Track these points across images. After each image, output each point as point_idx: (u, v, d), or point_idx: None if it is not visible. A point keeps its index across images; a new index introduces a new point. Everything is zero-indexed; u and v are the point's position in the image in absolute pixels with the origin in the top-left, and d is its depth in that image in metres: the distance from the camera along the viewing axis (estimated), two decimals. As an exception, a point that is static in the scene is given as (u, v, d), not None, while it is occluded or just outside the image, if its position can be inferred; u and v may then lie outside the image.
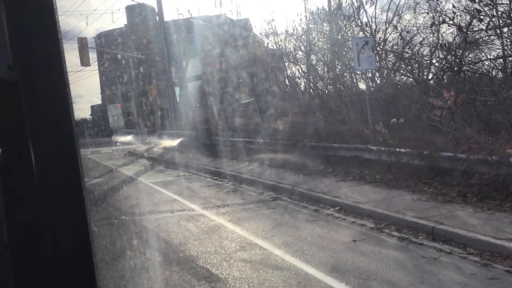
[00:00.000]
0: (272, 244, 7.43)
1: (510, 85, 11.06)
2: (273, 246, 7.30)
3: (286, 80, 21.07)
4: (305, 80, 20.00)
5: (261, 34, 23.54)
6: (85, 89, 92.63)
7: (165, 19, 30.49)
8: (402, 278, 5.71)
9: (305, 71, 19.78)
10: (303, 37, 19.83)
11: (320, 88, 19.04)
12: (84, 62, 27.35)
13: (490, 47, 13.47)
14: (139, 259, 6.89)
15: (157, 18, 30.45)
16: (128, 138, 33.71)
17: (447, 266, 6.06)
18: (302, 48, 20.03)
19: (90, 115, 58.45)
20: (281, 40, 20.67)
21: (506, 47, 11.99)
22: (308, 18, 19.81)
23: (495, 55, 13.06)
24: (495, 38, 12.59)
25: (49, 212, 1.13)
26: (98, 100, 58.52)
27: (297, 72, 20.37)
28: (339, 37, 18.02)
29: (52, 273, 1.14)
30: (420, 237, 7.31)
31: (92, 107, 59.49)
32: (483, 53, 13.82)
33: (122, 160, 22.81)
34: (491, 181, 8.67)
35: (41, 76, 1.14)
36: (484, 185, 8.73)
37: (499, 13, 11.65)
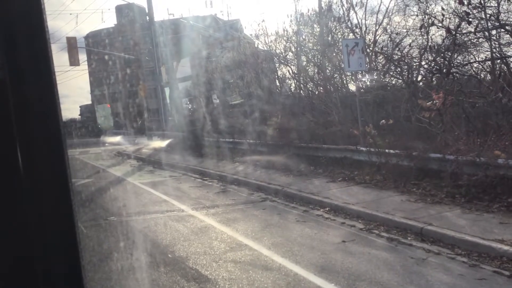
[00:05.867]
0: (261, 244, 7.43)
1: (498, 87, 11.15)
2: (262, 247, 7.30)
3: (277, 81, 21.09)
4: (295, 81, 20.04)
5: (251, 35, 23.55)
6: (71, 89, 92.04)
7: (155, 19, 30.40)
8: (391, 279, 5.74)
9: (296, 72, 19.81)
10: (293, 38, 19.86)
11: (310, 89, 19.08)
12: (73, 62, 27.15)
13: (479, 49, 13.59)
14: (128, 260, 6.85)
15: (147, 18, 30.35)
16: (117, 138, 33.55)
17: (435, 267, 6.10)
18: (293, 49, 20.06)
19: (79, 115, 58.15)
20: (271, 41, 20.70)
21: (494, 50, 12.08)
22: (298, 19, 19.83)
23: (484, 57, 13.18)
24: (484, 40, 12.70)
25: (36, 213, 1.11)
26: (85, 100, 58.33)
27: (287, 73, 20.41)
28: (329, 38, 18.06)
29: (39, 274, 1.13)
30: (408, 238, 7.35)
31: (81, 107, 59.20)
32: (471, 55, 13.94)
33: (111, 160, 22.70)
34: (479, 183, 8.74)
35: (29, 76, 1.13)
36: (472, 186, 8.80)
37: (488, 15, 11.75)
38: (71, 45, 27.00)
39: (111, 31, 48.06)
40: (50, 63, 1.15)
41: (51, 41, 1.21)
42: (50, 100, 1.15)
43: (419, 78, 14.74)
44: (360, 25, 16.48)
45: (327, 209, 9.56)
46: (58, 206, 1.14)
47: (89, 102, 57.74)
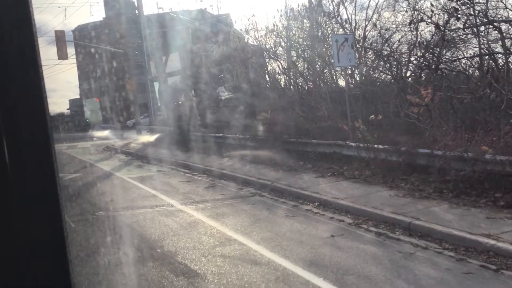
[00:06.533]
0: (251, 239, 7.44)
1: (486, 83, 11.24)
2: (252, 242, 7.31)
3: (267, 76, 21.06)
4: (285, 76, 20.02)
5: (241, 30, 23.48)
6: (59, 83, 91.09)
7: (144, 13, 30.19)
8: (379, 273, 5.78)
9: (285, 67, 19.80)
10: (283, 33, 19.84)
11: (300, 84, 19.08)
12: (61, 55, 26.89)
13: (467, 45, 13.67)
14: (116, 255, 6.83)
15: (136, 12, 30.13)
16: (105, 133, 33.37)
17: (423, 261, 6.15)
18: (283, 44, 20.04)
19: (67, 109, 57.73)
20: (261, 36, 20.66)
21: (482, 46, 12.18)
22: (288, 14, 19.81)
23: (472, 54, 13.28)
24: (472, 36, 12.79)
25: (23, 208, 1.10)
26: (73, 95, 57.91)
27: (277, 68, 20.39)
28: (319, 33, 18.06)
29: (26, 270, 1.12)
30: (397, 233, 7.40)
31: (69, 101, 58.79)
32: (460, 52, 14.02)
33: (99, 155, 22.58)
34: (467, 178, 8.82)
35: (16, 70, 1.12)
36: (460, 181, 8.88)
37: (476, 12, 11.84)
38: (59, 38, 26.71)
39: (100, 25, 47.65)
40: (37, 57, 1.14)
41: (39, 35, 1.20)
42: (37, 94, 1.13)
43: (408, 73, 14.81)
44: (350, 21, 16.51)
45: (316, 204, 9.59)
46: (45, 201, 1.13)
47: (78, 96, 57.33)
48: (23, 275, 1.13)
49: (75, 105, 55.48)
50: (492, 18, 11.83)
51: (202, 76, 23.47)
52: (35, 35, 1.14)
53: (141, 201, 10.83)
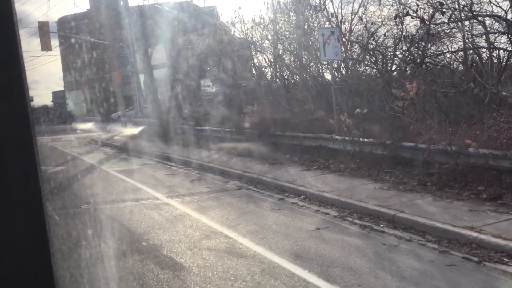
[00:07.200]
0: (237, 232, 7.45)
1: (470, 78, 11.36)
2: (237, 235, 7.32)
3: (253, 69, 21.01)
4: (271, 69, 19.99)
5: (228, 22, 23.34)
6: (43, 75, 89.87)
7: (130, 5, 29.82)
8: (363, 265, 5.83)
9: (272, 60, 19.76)
10: (270, 26, 19.78)
11: (287, 77, 19.07)
12: (45, 47, 26.50)
13: (452, 39, 13.75)
14: (101, 248, 6.79)
15: (121, 3, 29.76)
16: (89, 125, 33.07)
17: (406, 253, 6.22)
18: (269, 37, 19.99)
19: (51, 101, 57.15)
20: (248, 29, 20.57)
21: (467, 40, 12.29)
22: (275, 7, 19.74)
23: (457, 48, 13.37)
24: (457, 31, 12.88)
25: (4, 201, 1.09)
26: (57, 87, 57.35)
27: (263, 62, 20.34)
28: (306, 27, 18.04)
29: (7, 264, 1.11)
30: (381, 225, 7.47)
31: (53, 93, 58.17)
32: (445, 46, 14.10)
33: (84, 148, 22.39)
34: (450, 171, 8.92)
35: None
36: (443, 174, 8.98)
37: (461, 6, 11.91)
38: (43, 30, 26.31)
39: (84, 16, 47.06)
40: (18, 48, 1.12)
41: (23, 26, 1.18)
42: (18, 86, 1.12)
43: (393, 67, 14.88)
44: (336, 14, 16.49)
45: (302, 197, 9.63)
46: (27, 194, 1.12)
47: (61, 88, 56.73)
48: (4, 269, 1.12)
49: (59, 97, 54.90)
50: (476, 13, 11.92)
51: (187, 68, 23.33)
52: (16, 26, 1.12)
53: (127, 194, 10.77)
